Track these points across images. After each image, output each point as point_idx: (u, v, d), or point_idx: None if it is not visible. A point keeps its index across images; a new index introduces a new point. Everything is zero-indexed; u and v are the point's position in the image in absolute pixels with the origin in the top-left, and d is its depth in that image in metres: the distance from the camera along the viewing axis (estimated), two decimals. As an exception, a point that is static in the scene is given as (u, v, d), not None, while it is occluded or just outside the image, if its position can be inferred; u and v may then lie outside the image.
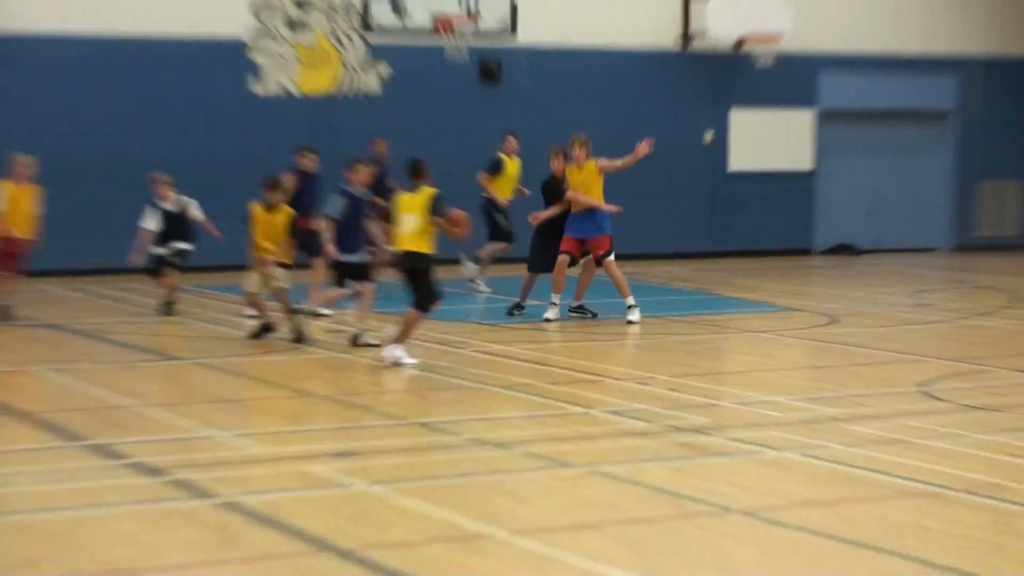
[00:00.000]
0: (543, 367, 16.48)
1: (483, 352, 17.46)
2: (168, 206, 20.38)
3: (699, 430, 12.93)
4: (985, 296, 23.90)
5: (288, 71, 27.24)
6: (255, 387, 15.14)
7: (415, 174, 16.70)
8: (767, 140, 30.56)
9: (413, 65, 27.33)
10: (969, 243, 32.50)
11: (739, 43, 29.77)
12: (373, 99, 27.66)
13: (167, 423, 13.12)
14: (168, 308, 20.46)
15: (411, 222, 16.17)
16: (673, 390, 14.91)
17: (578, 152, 20.22)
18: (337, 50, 27.51)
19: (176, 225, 20.48)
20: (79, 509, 10.07)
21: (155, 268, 20.55)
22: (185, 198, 20.63)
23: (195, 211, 20.68)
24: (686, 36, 29.95)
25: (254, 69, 27.08)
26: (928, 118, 32.45)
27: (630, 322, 19.56)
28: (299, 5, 27.07)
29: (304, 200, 20.16)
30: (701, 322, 20.53)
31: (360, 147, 27.01)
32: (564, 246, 19.89)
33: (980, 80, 32.18)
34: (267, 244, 18.31)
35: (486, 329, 19.49)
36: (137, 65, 26.20)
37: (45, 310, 20.95)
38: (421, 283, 16.15)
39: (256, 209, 18.53)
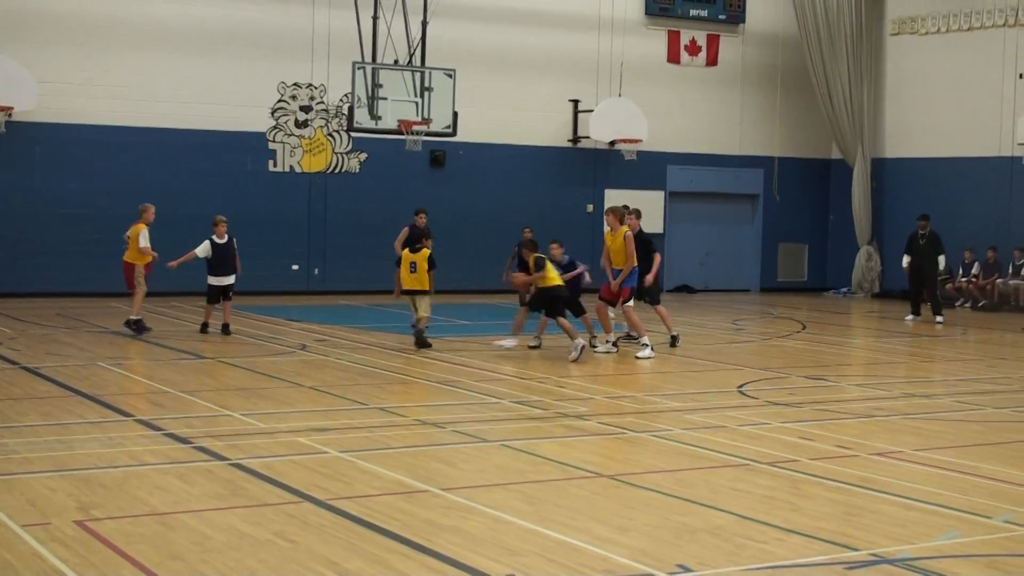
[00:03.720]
0: (469, 369, 16.28)
1: (427, 358, 17.22)
2: (219, 240, 19.64)
3: (578, 416, 12.76)
4: (783, 324, 23.88)
5: (295, 156, 27.13)
6: (261, 379, 14.82)
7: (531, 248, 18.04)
8: (631, 211, 30.46)
9: (383, 153, 27.33)
10: (771, 286, 32.65)
11: (612, 143, 29.79)
12: (354, 176, 27.60)
13: (195, 404, 12.87)
14: (226, 329, 19.36)
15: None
16: (561, 387, 14.77)
17: (612, 220, 18.13)
18: (330, 142, 27.45)
19: (223, 256, 19.53)
20: (127, 467, 9.87)
21: (212, 295, 19.62)
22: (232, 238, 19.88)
23: (234, 248, 19.79)
24: (575, 137, 29.90)
25: (271, 154, 26.93)
26: (743, 198, 32.59)
27: (638, 358, 17.52)
28: (304, 111, 27.05)
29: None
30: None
31: (343, 211, 26.93)
32: (603, 293, 18.12)
33: (777, 173, 32.32)
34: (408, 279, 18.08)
35: (435, 342, 19.15)
36: (190, 149, 26.06)
37: (113, 321, 20.52)
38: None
39: (405, 252, 18.29)
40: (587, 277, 19.25)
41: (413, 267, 18.00)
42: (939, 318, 24.54)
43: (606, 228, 18.53)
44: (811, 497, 9.39)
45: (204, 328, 19.48)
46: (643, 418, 12.72)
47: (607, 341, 18.45)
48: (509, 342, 17.77)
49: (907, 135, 31.09)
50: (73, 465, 9.80)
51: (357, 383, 14.71)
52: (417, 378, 15.42)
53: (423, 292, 18.03)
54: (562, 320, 17.65)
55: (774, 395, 14.51)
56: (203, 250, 19.51)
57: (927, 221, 25.19)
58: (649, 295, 19.00)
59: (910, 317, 25.03)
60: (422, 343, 18.07)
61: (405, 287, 18.21)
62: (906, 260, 25.30)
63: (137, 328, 19.03)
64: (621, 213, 18.23)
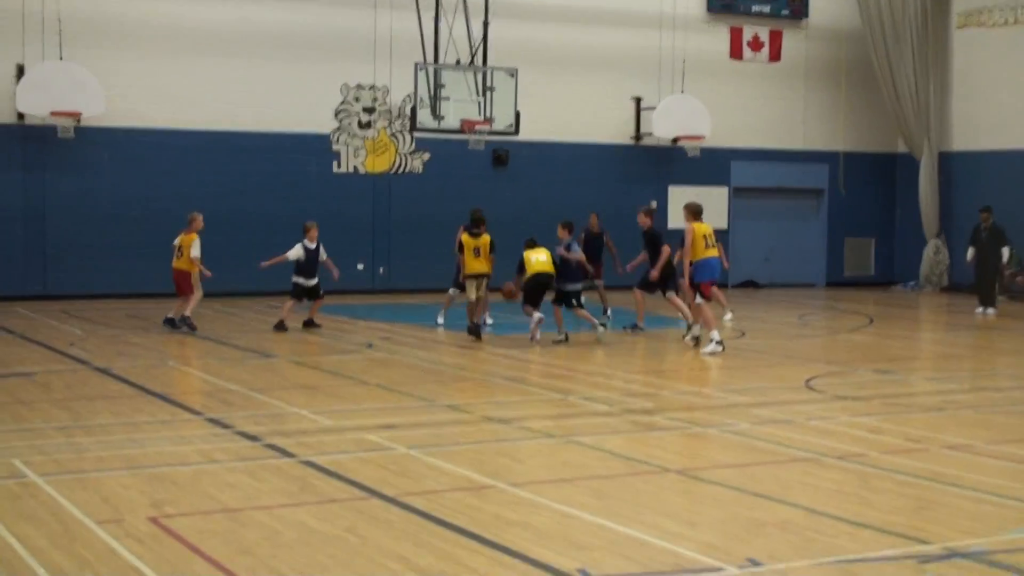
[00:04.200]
0: (534, 364, 16.28)
1: (491, 355, 17.24)
2: (310, 245, 20.08)
3: (645, 412, 12.71)
4: (850, 318, 23.67)
5: (359, 157, 27.25)
6: (328, 377, 14.89)
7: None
8: (695, 208, 30.37)
9: (446, 153, 27.37)
10: (837, 281, 32.37)
11: (675, 140, 29.66)
12: (417, 176, 27.67)
13: (263, 403, 12.94)
14: (310, 323, 20.16)
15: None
16: (627, 383, 14.72)
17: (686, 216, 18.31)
18: (393, 142, 27.53)
19: (312, 260, 20.05)
20: (198, 464, 9.95)
21: (297, 294, 20.12)
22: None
23: (323, 252, 20.25)
24: (638, 135, 29.82)
25: (335, 156, 27.06)
26: (808, 193, 32.35)
27: (706, 350, 17.54)
28: (367, 112, 27.15)
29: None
30: (649, 335, 20.27)
31: (407, 211, 26.99)
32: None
33: (843, 167, 32.05)
34: (474, 263, 18.74)
35: (495, 340, 19.22)
36: (255, 152, 26.26)
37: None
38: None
39: (464, 236, 18.90)
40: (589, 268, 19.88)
41: (477, 252, 18.77)
42: (991, 309, 24.47)
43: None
44: (881, 491, 9.30)
45: (280, 326, 19.72)
46: (710, 413, 12.66)
47: (688, 331, 18.71)
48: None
49: (974, 128, 30.72)
50: (145, 463, 9.90)
51: (423, 380, 14.75)
52: (483, 375, 15.44)
53: (486, 275, 18.84)
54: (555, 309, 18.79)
55: (842, 389, 14.39)
56: (295, 253, 20.06)
57: (989, 213, 25.12)
58: (660, 286, 19.85)
59: (980, 309, 24.81)
60: (475, 331, 18.76)
61: (471, 271, 18.77)
62: (970, 252, 25.30)
63: (189, 325, 19.35)
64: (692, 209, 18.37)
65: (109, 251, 25.07)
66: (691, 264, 17.97)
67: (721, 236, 29.45)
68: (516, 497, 8.97)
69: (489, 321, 20.47)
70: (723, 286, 25.87)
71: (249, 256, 24.28)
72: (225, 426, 11.51)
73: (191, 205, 24.00)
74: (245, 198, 25.83)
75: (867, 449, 10.77)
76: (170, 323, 19.69)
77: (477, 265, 18.79)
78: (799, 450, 10.74)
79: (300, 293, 20.13)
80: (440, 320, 20.65)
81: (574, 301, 18.91)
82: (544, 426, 11.76)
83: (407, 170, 27.70)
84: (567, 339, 18.53)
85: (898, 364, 17.13)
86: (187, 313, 19.50)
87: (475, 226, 18.97)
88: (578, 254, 19.13)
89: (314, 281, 20.11)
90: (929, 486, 9.45)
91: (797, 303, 27.14)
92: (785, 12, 31.31)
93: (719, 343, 17.61)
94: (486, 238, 18.86)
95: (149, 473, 9.54)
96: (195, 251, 19.54)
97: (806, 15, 31.60)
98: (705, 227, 18.27)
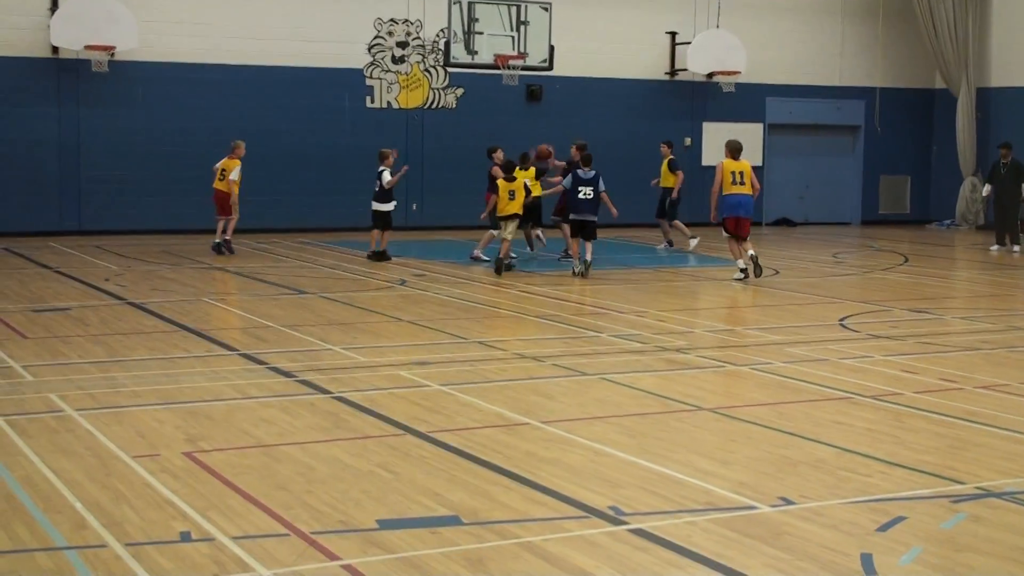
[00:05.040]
0: (566, 302, 16.29)
1: (524, 292, 17.24)
2: (386, 169, 20.83)
3: (679, 350, 12.71)
4: (885, 257, 23.55)
5: (392, 92, 27.17)
6: (361, 314, 14.94)
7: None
8: (729, 144, 30.22)
9: (479, 88, 27.24)
10: (873, 219, 32.17)
11: (710, 75, 29.43)
12: (451, 112, 27.58)
13: (297, 339, 12.99)
14: (381, 255, 20.74)
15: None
16: (660, 321, 14.71)
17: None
18: (426, 78, 27.43)
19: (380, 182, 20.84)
20: (233, 400, 10.02)
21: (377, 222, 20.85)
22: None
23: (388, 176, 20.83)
24: (672, 70, 29.60)
25: (369, 90, 26.98)
26: (843, 130, 32.08)
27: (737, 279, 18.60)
28: (401, 46, 27.03)
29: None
30: (682, 272, 20.22)
31: (440, 147, 26.93)
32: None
33: (879, 104, 31.75)
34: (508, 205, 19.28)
35: (526, 275, 19.23)
36: (288, 86, 26.16)
37: (215, 257, 20.88)
38: None
39: (501, 181, 19.42)
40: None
41: (512, 194, 19.20)
42: (1015, 248, 24.35)
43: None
44: (915, 430, 9.28)
45: (380, 255, 20.64)
46: (744, 351, 12.65)
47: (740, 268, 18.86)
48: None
49: (1014, 63, 30.33)
50: (180, 398, 9.98)
51: (456, 317, 14.78)
52: (516, 312, 15.45)
53: (517, 216, 19.38)
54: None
55: (876, 328, 14.34)
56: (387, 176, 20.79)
57: (1009, 150, 25.12)
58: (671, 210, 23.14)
59: (995, 247, 24.74)
60: (504, 267, 19.05)
61: (505, 212, 19.22)
62: (987, 189, 25.68)
63: (228, 248, 21.15)
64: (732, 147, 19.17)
65: (144, 186, 25.13)
66: (719, 197, 18.77)
67: (755, 173, 29.45)
68: (548, 434, 9.00)
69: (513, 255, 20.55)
70: (757, 223, 25.79)
71: (282, 191, 24.37)
72: (259, 362, 11.57)
73: (224, 139, 24.08)
74: (278, 133, 25.81)
75: (901, 388, 10.74)
76: (217, 248, 21.22)
77: (512, 207, 19.24)
78: (832, 389, 10.72)
79: (375, 219, 20.83)
80: (481, 255, 20.62)
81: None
82: (577, 363, 11.78)
83: (440, 105, 27.61)
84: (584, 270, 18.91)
85: (933, 303, 17.04)
86: (228, 236, 21.18)
87: (508, 171, 19.43)
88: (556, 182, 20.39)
89: (379, 207, 20.82)
90: (963, 426, 9.43)
91: (832, 241, 27.00)
92: (823, -54, 30.91)
93: (743, 271, 18.56)
94: (520, 180, 19.37)
95: (184, 408, 9.62)
96: (234, 175, 21.08)
97: (844, -51, 31.20)
98: (738, 164, 18.78)
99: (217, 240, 21.38)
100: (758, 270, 18.55)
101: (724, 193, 18.62)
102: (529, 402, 10.13)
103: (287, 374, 11.01)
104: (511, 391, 10.57)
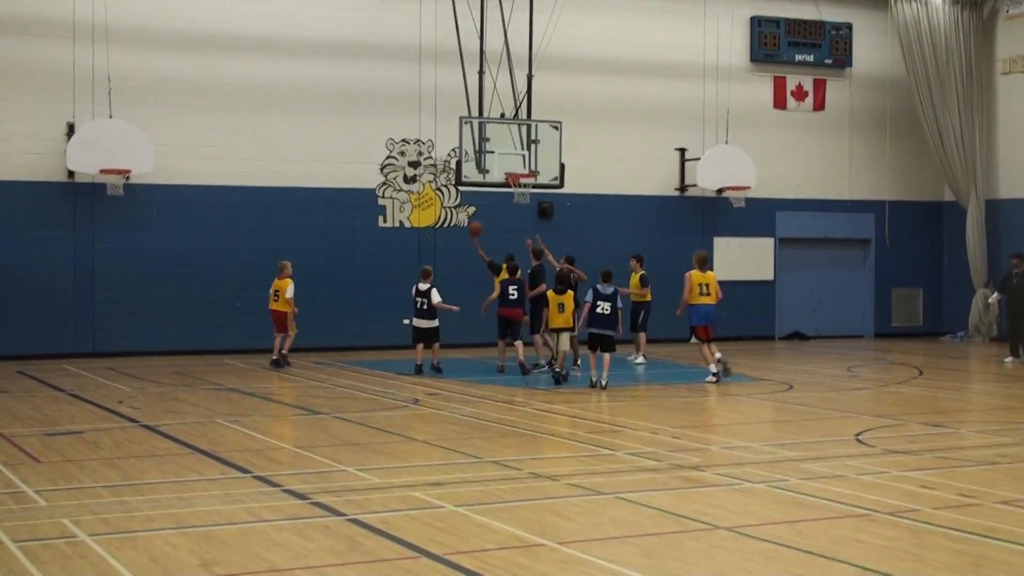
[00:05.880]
0: (581, 420, 16.24)
1: (537, 410, 17.21)
2: (423, 286, 21.81)
3: (694, 467, 12.64)
4: (899, 370, 23.51)
5: (404, 211, 27.39)
6: (375, 434, 14.90)
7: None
8: (741, 258, 30.42)
9: (491, 206, 27.47)
10: (886, 331, 32.18)
11: (720, 191, 29.66)
12: (463, 230, 27.72)
13: (311, 460, 12.95)
14: (435, 368, 21.79)
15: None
16: (675, 438, 14.65)
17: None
18: (438, 196, 27.68)
19: (427, 301, 21.81)
20: (246, 523, 9.95)
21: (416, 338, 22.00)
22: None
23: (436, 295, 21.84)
24: (682, 186, 29.85)
25: (381, 210, 27.22)
26: (854, 243, 32.24)
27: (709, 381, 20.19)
28: (413, 166, 27.32)
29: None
30: (695, 388, 20.20)
31: (452, 264, 27.05)
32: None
33: (889, 217, 31.92)
34: (558, 317, 20.32)
35: (540, 392, 19.22)
36: (301, 207, 26.48)
37: (229, 378, 20.87)
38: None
39: (550, 292, 20.68)
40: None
41: (561, 307, 20.30)
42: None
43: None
44: (935, 548, 9.19)
45: (418, 369, 21.77)
46: (759, 468, 12.57)
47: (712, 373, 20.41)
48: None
49: (1021, 174, 30.55)
50: (193, 522, 9.93)
51: (470, 436, 14.74)
52: (530, 430, 15.39)
53: (570, 329, 20.36)
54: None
55: (892, 443, 14.26)
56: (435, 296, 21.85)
57: (1021, 260, 25.34)
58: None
59: (1009, 359, 24.72)
60: (561, 379, 20.00)
61: (554, 325, 20.35)
62: (995, 296, 26.06)
63: (286, 362, 22.57)
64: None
65: (157, 308, 25.27)
66: (688, 306, 20.57)
67: (767, 287, 29.69)
68: (565, 556, 8.93)
69: (543, 364, 21.78)
70: (770, 338, 25.77)
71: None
72: (273, 484, 11.53)
73: (237, 261, 24.36)
74: (290, 253, 25.89)
75: (919, 504, 10.65)
76: (276, 364, 22.50)
77: (561, 320, 20.23)
78: (850, 506, 10.64)
79: (416, 336, 21.92)
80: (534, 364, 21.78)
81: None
82: (592, 482, 11.71)
83: (452, 224, 27.81)
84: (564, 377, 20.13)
85: (949, 417, 16.97)
86: (286, 351, 22.61)
87: (560, 283, 20.60)
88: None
89: (425, 323, 21.81)
90: (983, 543, 9.33)
91: (845, 355, 26.97)
92: (828, 61, 31.31)
93: (714, 375, 20.16)
94: (570, 294, 20.45)
95: (198, 532, 9.56)
96: (290, 292, 22.55)
97: (850, 64, 31.60)
98: (704, 276, 20.70)
99: (275, 356, 22.60)
100: (727, 371, 20.34)
101: (692, 303, 20.40)
102: (545, 522, 10.06)
103: (301, 496, 10.96)
104: (526, 511, 10.50)
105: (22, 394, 18.80)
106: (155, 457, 13.14)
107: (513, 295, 21.63)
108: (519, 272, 21.97)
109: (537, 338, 22.02)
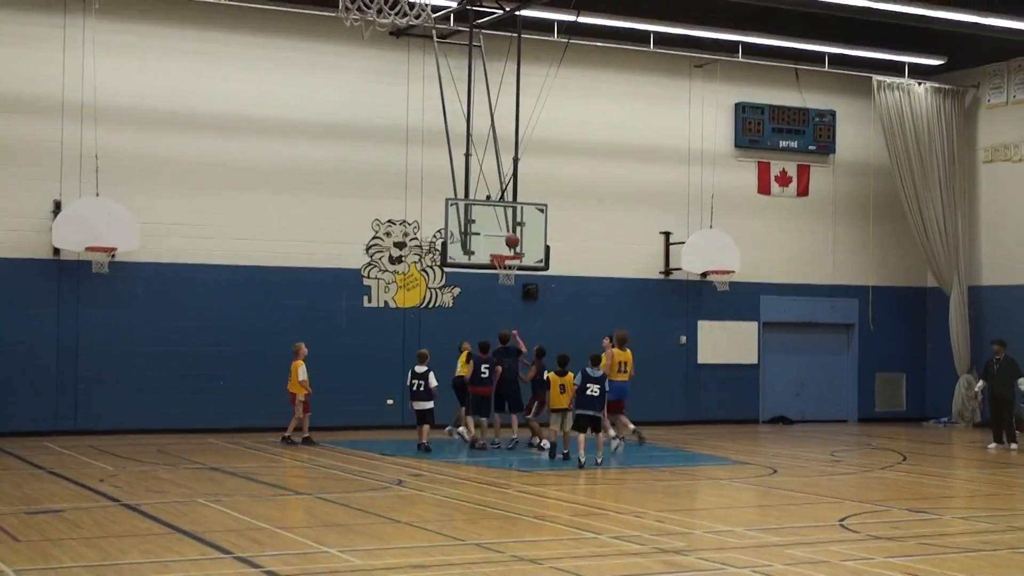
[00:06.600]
0: (564, 503, 16.17)
1: (520, 492, 17.15)
2: (421, 369, 22.51)
3: (678, 551, 12.58)
4: (882, 455, 23.48)
5: (389, 292, 27.42)
6: (357, 515, 14.81)
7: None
8: (725, 342, 30.51)
9: (476, 288, 27.53)
10: (869, 416, 32.19)
11: (704, 274, 29.77)
12: (448, 311, 27.80)
13: (293, 541, 12.86)
14: (424, 448, 22.09)
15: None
16: (659, 521, 14.59)
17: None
18: (423, 277, 27.73)
19: (425, 383, 22.46)
20: (226, 605, 9.79)
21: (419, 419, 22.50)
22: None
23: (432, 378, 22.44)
24: (667, 269, 29.96)
25: (366, 290, 27.25)
26: (838, 328, 32.34)
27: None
28: (398, 246, 27.38)
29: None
30: (678, 471, 20.14)
31: (437, 345, 27.01)
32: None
33: (872, 302, 32.03)
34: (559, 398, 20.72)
35: (521, 474, 19.16)
36: (286, 286, 26.51)
37: (212, 457, 20.77)
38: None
39: (551, 374, 21.08)
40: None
41: (563, 388, 20.66)
42: (1013, 445, 24.43)
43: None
44: (919, 635, 9.15)
45: (420, 447, 22.07)
46: (743, 553, 12.52)
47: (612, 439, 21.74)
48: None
49: (1004, 262, 30.77)
50: (174, 603, 9.84)
51: (453, 518, 14.67)
52: (513, 512, 15.32)
53: (567, 410, 20.66)
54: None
55: (876, 529, 14.22)
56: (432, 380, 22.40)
57: (1003, 347, 25.32)
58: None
59: (992, 445, 24.75)
60: (566, 456, 20.60)
61: (557, 406, 20.77)
62: (980, 384, 26.19)
63: (309, 441, 23.09)
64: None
65: (141, 386, 25.18)
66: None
67: (751, 371, 29.85)
68: (548, 640, 8.86)
69: (545, 445, 22.07)
70: (754, 421, 25.74)
71: (278, 391, 24.33)
72: (254, 566, 11.43)
73: (222, 339, 24.32)
74: (275, 333, 25.94)
75: (904, 591, 10.62)
76: (305, 441, 23.13)
77: (562, 401, 20.64)
78: (834, 592, 10.59)
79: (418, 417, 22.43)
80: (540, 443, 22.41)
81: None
82: (575, 566, 11.64)
83: (437, 304, 27.84)
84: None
85: (932, 503, 16.94)
86: (305, 432, 23.22)
87: (561, 366, 20.95)
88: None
89: (426, 405, 22.36)
90: (968, 630, 9.29)
91: (829, 439, 26.95)
92: (812, 147, 31.61)
93: (615, 437, 21.70)
94: (570, 376, 20.63)
95: (178, 614, 9.48)
96: (302, 375, 23.16)
97: (833, 151, 31.89)
98: (623, 354, 22.28)
99: (286, 434, 23.26)
100: (642, 438, 22.63)
101: (609, 378, 20.79)
102: (527, 606, 9.99)
103: (282, 578, 10.87)
104: (509, 595, 10.44)
105: (2, 471, 18.66)
106: (136, 537, 13.03)
107: (484, 373, 22.54)
108: (489, 351, 22.92)
109: (532, 420, 22.77)
